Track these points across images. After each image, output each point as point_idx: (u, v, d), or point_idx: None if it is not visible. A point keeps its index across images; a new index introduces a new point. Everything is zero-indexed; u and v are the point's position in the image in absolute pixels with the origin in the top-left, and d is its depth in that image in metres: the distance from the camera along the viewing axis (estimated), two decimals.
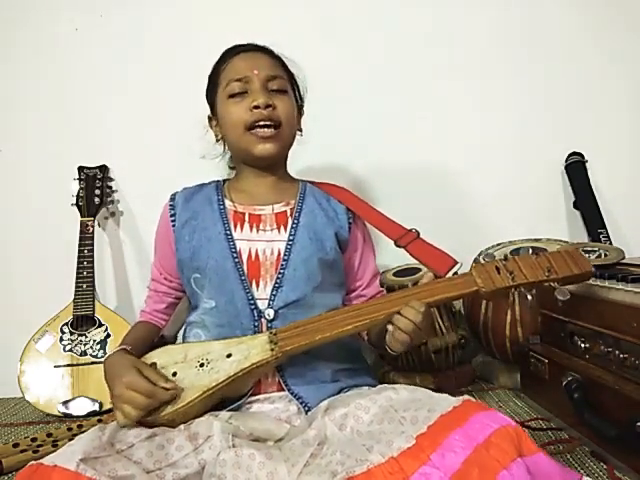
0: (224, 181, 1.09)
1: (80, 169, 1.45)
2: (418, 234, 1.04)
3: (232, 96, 0.98)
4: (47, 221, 1.48)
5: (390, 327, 0.86)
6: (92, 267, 1.36)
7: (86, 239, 1.37)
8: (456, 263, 0.98)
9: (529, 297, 0.88)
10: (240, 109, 0.96)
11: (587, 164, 1.49)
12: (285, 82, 1.01)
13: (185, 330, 1.02)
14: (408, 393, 0.79)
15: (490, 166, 1.50)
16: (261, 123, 0.95)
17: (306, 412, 0.87)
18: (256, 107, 0.95)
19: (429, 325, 0.87)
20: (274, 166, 1.03)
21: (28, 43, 1.49)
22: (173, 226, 1.01)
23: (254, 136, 0.96)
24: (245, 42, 1.03)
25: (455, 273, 0.97)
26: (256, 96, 0.95)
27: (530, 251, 0.89)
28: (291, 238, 0.97)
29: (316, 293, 0.96)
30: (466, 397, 0.74)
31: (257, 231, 0.98)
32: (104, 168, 1.46)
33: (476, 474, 0.62)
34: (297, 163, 1.14)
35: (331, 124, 1.41)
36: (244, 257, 0.96)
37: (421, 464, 0.64)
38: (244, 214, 1.00)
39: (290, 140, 1.03)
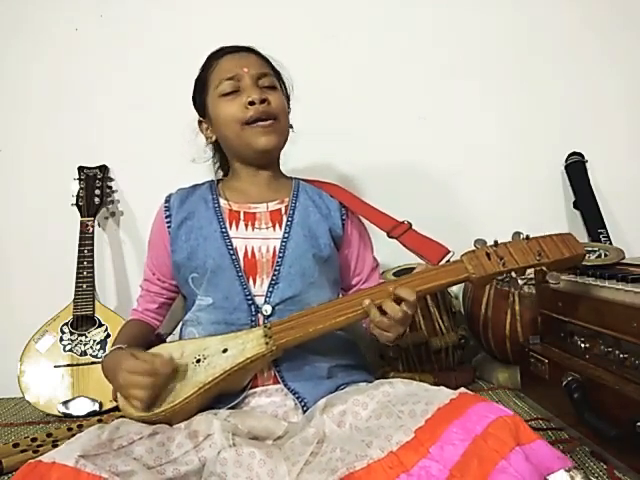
0: (218, 181, 1.10)
1: (80, 169, 1.45)
2: (410, 225, 1.04)
3: (224, 95, 0.99)
4: (47, 221, 1.48)
5: (370, 325, 0.86)
6: (92, 267, 1.36)
7: (86, 239, 1.37)
8: (448, 252, 0.98)
9: (520, 281, 0.88)
10: (234, 106, 0.98)
11: (587, 164, 1.49)
12: (274, 79, 1.03)
13: (181, 329, 1.03)
14: (405, 387, 0.80)
15: (490, 166, 1.50)
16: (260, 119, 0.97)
17: (302, 408, 0.87)
18: (251, 103, 0.96)
19: (411, 316, 0.86)
20: (269, 164, 1.05)
21: (28, 43, 1.49)
22: (168, 227, 1.01)
23: (255, 129, 0.97)
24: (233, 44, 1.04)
25: (447, 262, 0.97)
26: (250, 92, 0.97)
27: (521, 235, 0.89)
28: (286, 235, 0.98)
29: (312, 289, 0.97)
30: (462, 390, 0.74)
31: (252, 229, 0.99)
32: (104, 168, 1.46)
33: (475, 465, 0.62)
34: (291, 162, 1.14)
35: (329, 124, 1.41)
36: (240, 255, 0.97)
37: (421, 457, 0.65)
38: (239, 212, 1.01)
39: (286, 134, 1.05)
